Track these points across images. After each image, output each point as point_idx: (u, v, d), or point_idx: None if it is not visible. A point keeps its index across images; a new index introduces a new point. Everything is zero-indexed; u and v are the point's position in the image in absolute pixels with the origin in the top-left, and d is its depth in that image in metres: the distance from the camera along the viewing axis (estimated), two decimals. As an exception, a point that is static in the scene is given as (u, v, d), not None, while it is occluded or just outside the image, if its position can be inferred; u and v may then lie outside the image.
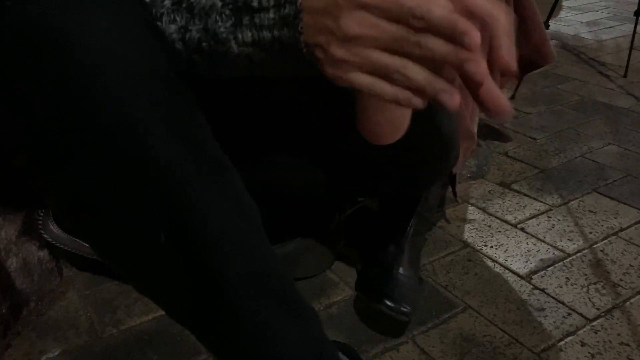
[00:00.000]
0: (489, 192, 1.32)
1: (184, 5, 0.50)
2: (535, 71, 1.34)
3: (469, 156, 1.31)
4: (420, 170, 0.72)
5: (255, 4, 0.49)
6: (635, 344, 0.89)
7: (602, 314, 0.95)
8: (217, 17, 0.50)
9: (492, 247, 1.12)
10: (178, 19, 0.50)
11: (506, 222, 1.20)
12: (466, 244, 1.13)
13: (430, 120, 0.70)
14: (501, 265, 1.07)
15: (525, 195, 1.30)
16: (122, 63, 0.42)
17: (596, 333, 0.91)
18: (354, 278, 1.01)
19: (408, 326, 0.91)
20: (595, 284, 1.02)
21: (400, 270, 0.89)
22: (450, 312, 0.95)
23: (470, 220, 1.21)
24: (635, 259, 1.09)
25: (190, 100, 0.47)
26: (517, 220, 1.21)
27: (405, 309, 0.86)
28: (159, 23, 0.50)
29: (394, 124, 0.62)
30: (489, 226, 1.19)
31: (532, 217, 1.22)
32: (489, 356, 0.86)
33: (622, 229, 1.18)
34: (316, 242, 1.03)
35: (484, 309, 0.96)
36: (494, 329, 0.92)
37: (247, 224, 0.50)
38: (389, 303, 0.86)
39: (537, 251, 1.11)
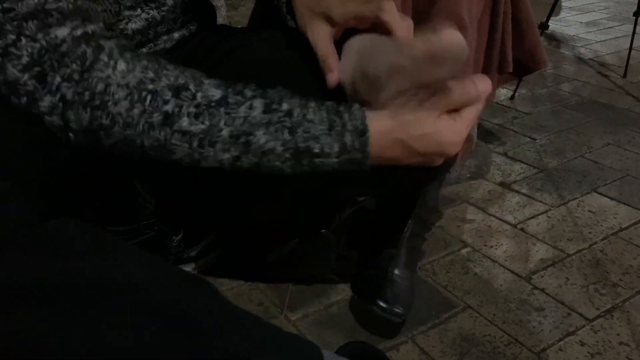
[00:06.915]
0: (489, 192, 1.32)
1: (241, 140, 0.52)
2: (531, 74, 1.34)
3: (467, 157, 1.31)
4: (418, 170, 0.72)
5: (317, 150, 0.54)
6: (634, 343, 0.89)
7: (602, 314, 0.95)
8: (275, 158, 0.54)
9: (492, 247, 1.12)
10: (232, 149, 0.53)
11: (506, 222, 1.20)
12: (466, 244, 1.13)
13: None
14: (501, 265, 1.07)
15: (525, 195, 1.31)
16: None
17: (596, 333, 0.91)
18: (353, 278, 1.02)
19: (408, 326, 0.91)
20: (594, 284, 1.02)
21: (396, 271, 0.89)
22: (450, 312, 0.95)
23: (470, 220, 1.21)
24: (634, 259, 1.09)
25: None
26: (517, 220, 1.21)
27: (398, 310, 0.86)
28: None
29: None
30: (489, 226, 1.19)
31: (532, 217, 1.22)
32: (488, 356, 0.86)
33: (621, 229, 1.18)
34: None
35: (483, 308, 0.96)
36: (493, 328, 0.92)
37: None
38: (382, 304, 0.86)
39: (537, 251, 1.11)
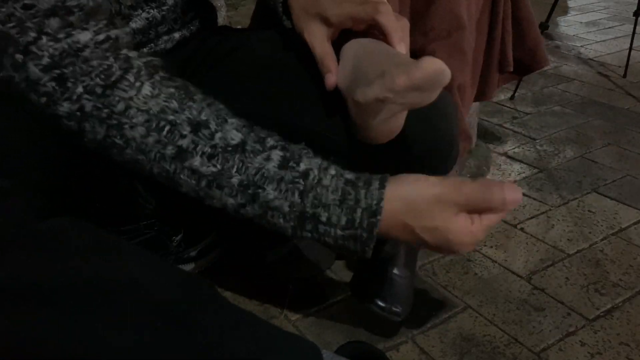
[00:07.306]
0: (489, 192, 1.32)
1: (250, 191, 0.52)
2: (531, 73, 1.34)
3: (466, 156, 1.31)
4: (421, 171, 0.73)
5: (323, 218, 0.52)
6: (634, 343, 0.89)
7: (602, 314, 0.95)
8: (280, 216, 0.52)
9: (492, 247, 1.12)
10: (239, 197, 0.52)
11: (506, 222, 1.20)
12: (466, 244, 1.13)
13: (429, 120, 0.70)
14: (501, 265, 1.07)
15: (525, 195, 1.31)
16: None
17: (596, 333, 0.91)
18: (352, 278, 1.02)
19: (408, 326, 0.91)
20: (594, 283, 1.02)
21: (395, 270, 0.89)
22: (450, 312, 0.95)
23: (470, 220, 1.21)
24: (634, 259, 1.09)
25: None
26: (517, 220, 1.21)
27: (397, 310, 0.86)
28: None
29: (389, 128, 0.63)
30: (489, 226, 1.19)
31: (532, 217, 1.22)
32: (488, 356, 0.86)
33: (621, 229, 1.18)
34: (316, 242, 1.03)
35: (483, 308, 0.96)
36: (493, 328, 0.92)
37: None
38: (380, 303, 0.86)
39: (537, 251, 1.11)
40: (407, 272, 0.91)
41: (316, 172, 0.53)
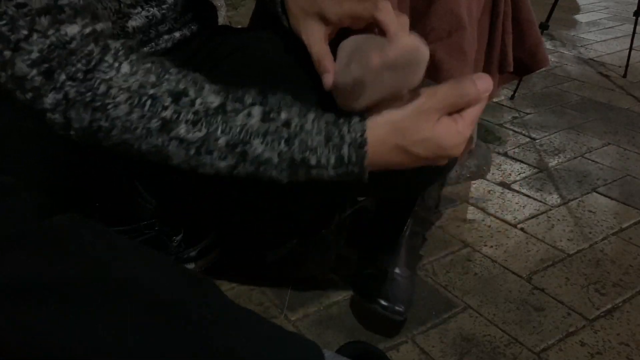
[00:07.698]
0: (489, 192, 1.32)
1: (237, 149, 0.53)
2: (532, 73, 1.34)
3: (467, 157, 1.31)
4: (421, 171, 0.72)
5: (313, 162, 0.54)
6: (635, 344, 0.89)
7: (602, 314, 0.95)
8: (272, 167, 0.54)
9: (492, 247, 1.12)
10: (229, 158, 0.53)
11: (506, 222, 1.20)
12: (466, 244, 1.13)
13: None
14: (501, 265, 1.07)
15: (525, 195, 1.31)
16: None
17: (596, 333, 0.91)
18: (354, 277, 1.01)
19: (408, 326, 0.91)
20: (595, 283, 1.02)
21: (396, 270, 0.89)
22: (450, 312, 0.95)
23: (470, 220, 1.21)
24: (634, 259, 1.09)
25: None
26: (517, 220, 1.21)
27: (399, 309, 0.86)
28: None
29: None
30: (489, 226, 1.19)
31: (532, 217, 1.22)
32: (488, 356, 0.86)
33: (621, 229, 1.18)
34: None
35: (483, 308, 0.96)
36: (493, 328, 0.92)
37: None
38: (383, 303, 0.86)
39: (537, 251, 1.11)
40: (408, 272, 0.92)
41: (297, 119, 0.54)
